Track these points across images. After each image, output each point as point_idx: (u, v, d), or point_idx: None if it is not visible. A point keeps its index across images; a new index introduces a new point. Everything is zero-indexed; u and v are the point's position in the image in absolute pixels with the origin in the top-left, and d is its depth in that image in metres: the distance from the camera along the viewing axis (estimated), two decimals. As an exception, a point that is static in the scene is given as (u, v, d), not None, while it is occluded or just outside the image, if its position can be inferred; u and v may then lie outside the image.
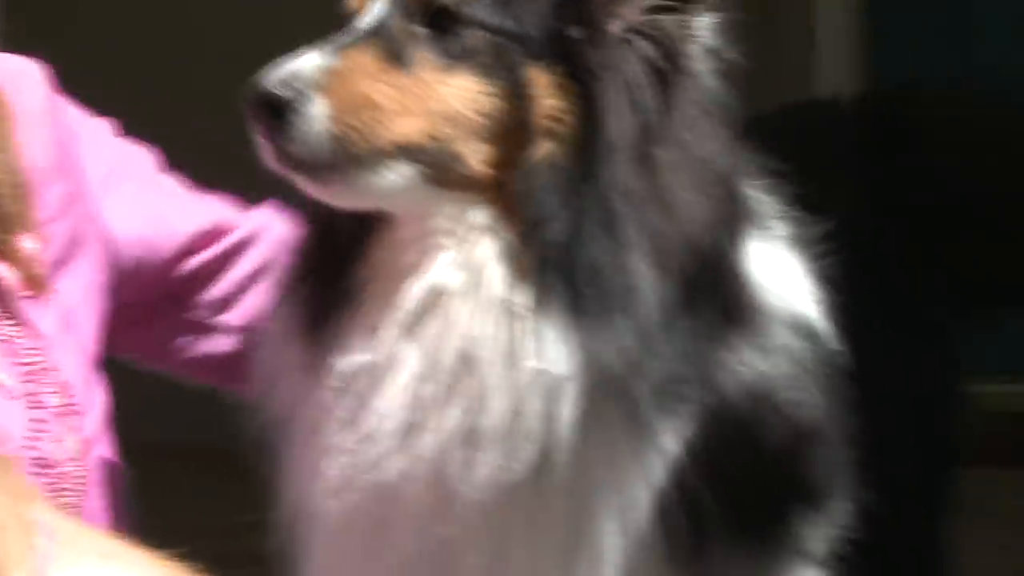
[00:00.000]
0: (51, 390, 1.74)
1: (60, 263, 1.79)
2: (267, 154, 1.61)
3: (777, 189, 1.73)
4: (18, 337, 1.73)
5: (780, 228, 1.74)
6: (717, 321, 1.63)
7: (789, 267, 1.73)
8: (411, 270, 1.65)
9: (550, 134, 1.63)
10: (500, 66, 1.63)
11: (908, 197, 2.20)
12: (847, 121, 2.35)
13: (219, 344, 1.97)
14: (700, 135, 1.64)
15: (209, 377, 1.98)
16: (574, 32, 1.63)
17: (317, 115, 1.59)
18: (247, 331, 1.92)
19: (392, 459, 1.62)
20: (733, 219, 1.65)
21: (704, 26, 1.65)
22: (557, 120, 1.62)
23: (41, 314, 1.76)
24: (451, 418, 1.61)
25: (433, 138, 1.62)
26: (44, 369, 1.74)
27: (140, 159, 1.96)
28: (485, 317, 1.62)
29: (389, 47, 1.64)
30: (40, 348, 1.74)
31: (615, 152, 1.60)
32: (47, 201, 1.78)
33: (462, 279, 1.63)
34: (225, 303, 1.97)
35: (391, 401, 1.63)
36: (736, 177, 1.67)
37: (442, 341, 1.62)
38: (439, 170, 1.63)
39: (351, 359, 1.65)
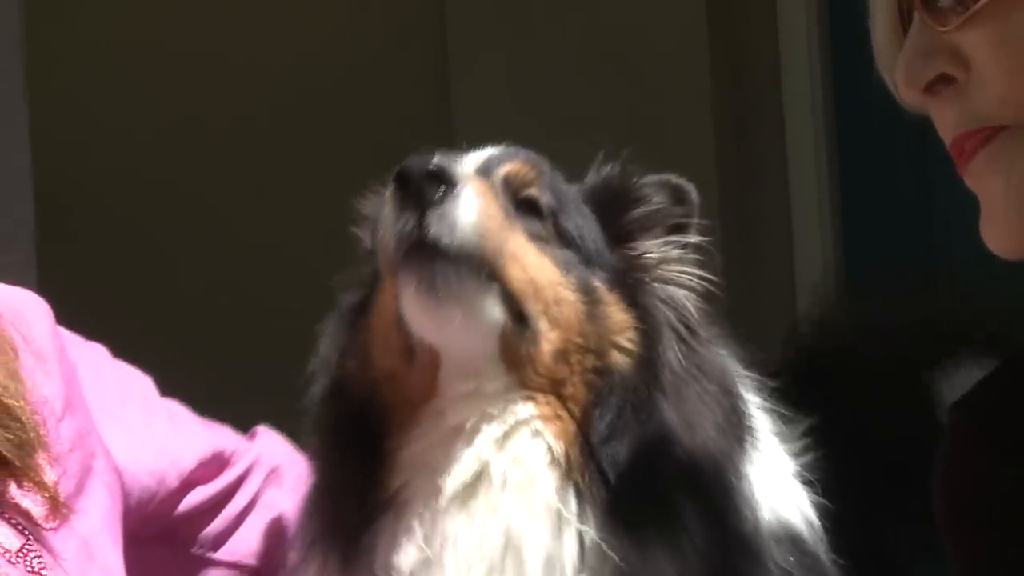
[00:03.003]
0: None
1: (76, 494, 1.80)
2: (394, 230, 1.59)
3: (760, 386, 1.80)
4: (44, 569, 1.74)
5: (766, 426, 1.78)
6: (724, 539, 1.65)
7: (777, 471, 1.76)
8: (452, 451, 1.64)
9: (619, 348, 1.66)
10: (573, 266, 1.68)
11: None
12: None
13: None
14: (709, 363, 1.71)
15: None
16: (628, 273, 1.71)
17: (471, 205, 1.59)
18: (239, 566, 1.95)
19: None
20: (739, 430, 1.70)
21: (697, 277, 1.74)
22: (626, 336, 1.66)
23: (64, 545, 1.77)
24: None
25: (523, 295, 1.63)
26: (72, 597, 1.75)
27: (139, 383, 1.97)
28: (532, 517, 1.61)
29: (504, 199, 1.69)
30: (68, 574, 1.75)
31: (666, 382, 1.65)
32: (60, 434, 1.80)
33: (506, 471, 1.63)
34: (221, 538, 1.98)
35: None
36: (736, 393, 1.73)
37: (487, 532, 1.62)
38: (517, 336, 1.63)
39: (402, 558, 1.63)
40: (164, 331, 3.67)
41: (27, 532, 1.74)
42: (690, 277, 1.73)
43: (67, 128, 3.80)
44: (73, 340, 1.91)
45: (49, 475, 1.75)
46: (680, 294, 1.72)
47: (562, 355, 1.65)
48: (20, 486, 1.74)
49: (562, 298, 1.65)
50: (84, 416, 1.85)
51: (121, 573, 1.83)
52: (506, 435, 1.64)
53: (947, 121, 1.25)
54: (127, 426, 1.89)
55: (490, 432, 1.64)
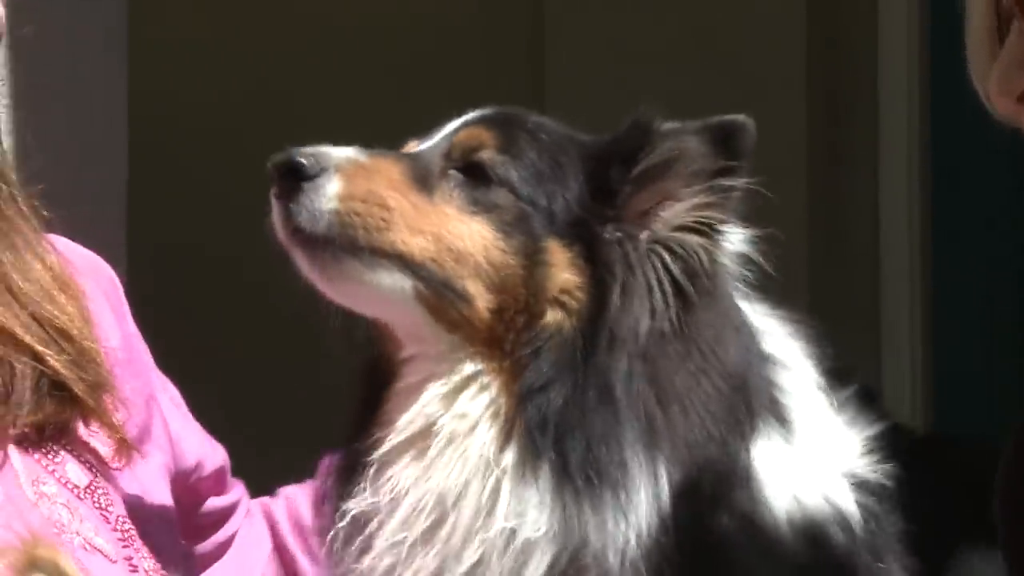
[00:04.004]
0: (145, 554, 1.80)
1: (138, 441, 1.86)
2: (276, 220, 1.69)
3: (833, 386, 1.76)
4: (111, 505, 1.79)
5: (816, 424, 1.74)
6: (710, 511, 1.65)
7: (809, 464, 1.72)
8: (406, 408, 1.71)
9: (560, 305, 1.68)
10: (520, 229, 1.70)
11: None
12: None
13: None
14: (715, 339, 1.68)
15: None
16: (602, 230, 1.70)
17: (329, 192, 1.68)
18: None
19: None
20: (739, 416, 1.68)
21: (737, 240, 1.71)
22: (569, 294, 1.68)
23: (128, 485, 1.83)
24: (424, 564, 1.66)
25: (435, 263, 1.69)
26: (136, 536, 1.80)
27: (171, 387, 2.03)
28: (467, 468, 1.66)
29: (419, 171, 1.73)
30: (129, 515, 1.81)
31: (619, 341, 1.65)
32: (124, 386, 1.85)
33: (450, 426, 1.68)
34: (208, 559, 2.02)
35: (382, 543, 1.68)
36: (753, 378, 1.70)
37: (425, 484, 1.68)
38: (440, 299, 1.69)
39: (355, 502, 1.71)
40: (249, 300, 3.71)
41: (95, 470, 1.79)
42: (712, 223, 1.69)
43: (163, 90, 3.85)
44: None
45: (117, 417, 1.80)
46: (692, 241, 1.69)
47: (499, 313, 1.68)
48: (87, 426, 1.79)
49: (496, 261, 1.69)
50: (146, 379, 1.91)
51: (175, 521, 1.89)
52: (453, 391, 1.69)
53: None
54: (177, 406, 1.96)
55: (436, 390, 1.69)
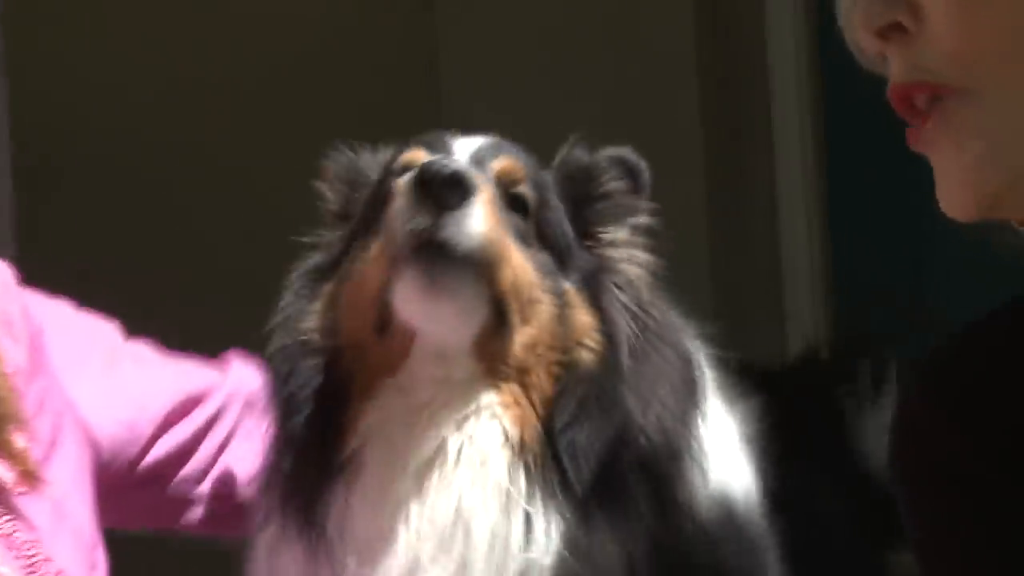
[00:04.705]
0: None
1: (47, 455, 1.82)
2: (409, 224, 1.66)
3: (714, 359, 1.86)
4: (16, 531, 1.76)
5: (718, 396, 1.83)
6: (670, 510, 1.74)
7: (721, 434, 1.81)
8: (419, 424, 1.72)
9: (582, 346, 1.73)
10: (550, 268, 1.76)
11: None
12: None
13: (194, 513, 2.01)
14: (667, 344, 1.78)
15: (190, 531, 2.04)
16: (594, 271, 1.78)
17: (484, 215, 1.68)
18: (219, 497, 1.99)
19: None
20: (695, 392, 1.77)
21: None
22: (588, 335, 1.74)
23: (35, 508, 1.79)
24: None
25: (506, 296, 1.72)
26: (42, 560, 1.76)
27: (103, 334, 1.99)
28: (482, 493, 1.69)
29: (496, 197, 1.74)
30: (36, 541, 1.77)
31: (624, 375, 1.72)
32: (29, 400, 1.81)
33: (465, 449, 1.70)
34: (201, 476, 2.01)
35: (394, 562, 1.69)
36: (693, 358, 1.80)
37: (440, 505, 1.70)
38: (489, 333, 1.72)
39: (356, 523, 1.70)
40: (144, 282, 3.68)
41: None
42: (641, 256, 1.80)
43: (46, 96, 3.80)
44: (36, 299, 1.91)
45: (20, 444, 1.77)
46: (634, 273, 1.79)
47: (531, 348, 1.73)
48: None
49: (536, 300, 1.73)
50: (49, 376, 1.86)
51: (91, 528, 1.85)
52: (466, 417, 1.72)
53: (894, 69, 1.26)
54: (93, 379, 1.91)
55: (451, 414, 1.72)
